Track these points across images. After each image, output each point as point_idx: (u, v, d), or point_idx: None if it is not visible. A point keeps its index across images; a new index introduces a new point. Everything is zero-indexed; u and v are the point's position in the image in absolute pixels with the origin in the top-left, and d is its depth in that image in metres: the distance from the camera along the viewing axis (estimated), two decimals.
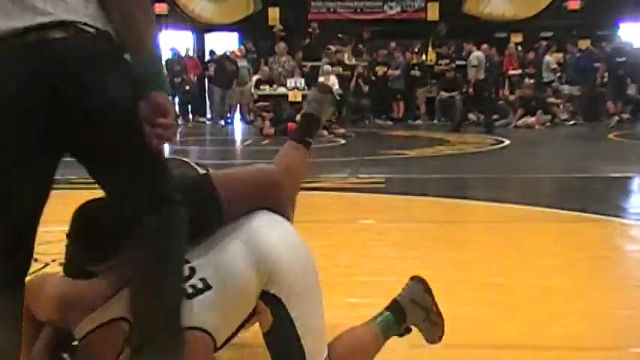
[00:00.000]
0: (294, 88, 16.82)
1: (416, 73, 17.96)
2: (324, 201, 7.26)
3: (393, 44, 18.40)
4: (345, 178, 8.46)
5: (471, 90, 15.45)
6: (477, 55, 15.44)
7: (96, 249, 2.34)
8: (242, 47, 18.79)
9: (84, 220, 2.38)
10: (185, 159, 2.61)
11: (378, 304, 3.83)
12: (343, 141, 13.40)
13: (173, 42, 19.82)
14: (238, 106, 18.71)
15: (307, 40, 18.57)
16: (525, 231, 5.86)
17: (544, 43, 18.54)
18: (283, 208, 2.55)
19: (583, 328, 3.53)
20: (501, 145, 12.64)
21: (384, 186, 7.90)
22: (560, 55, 18.30)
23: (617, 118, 16.43)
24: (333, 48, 17.70)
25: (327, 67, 17.15)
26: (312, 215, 6.48)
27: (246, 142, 14.13)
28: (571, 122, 16.97)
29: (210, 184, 2.39)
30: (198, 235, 2.36)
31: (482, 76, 15.44)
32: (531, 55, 18.28)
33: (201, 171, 2.57)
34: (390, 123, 17.63)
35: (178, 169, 2.47)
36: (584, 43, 18.45)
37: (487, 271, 4.51)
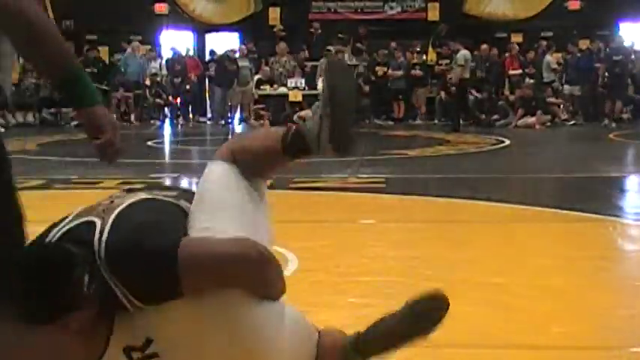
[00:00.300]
0: (294, 87, 16.83)
1: (417, 72, 17.97)
2: (325, 201, 7.27)
3: (393, 44, 18.40)
4: (346, 178, 8.46)
5: (453, 89, 15.54)
6: (463, 53, 15.46)
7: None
8: (243, 47, 18.79)
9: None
10: (177, 202, 2.28)
11: (378, 304, 3.82)
12: None
13: (174, 42, 19.82)
14: (239, 106, 18.70)
15: (306, 46, 18.61)
16: (525, 231, 5.86)
17: (544, 43, 18.54)
18: (261, 288, 2.14)
19: (583, 327, 3.53)
20: (501, 145, 12.64)
21: (384, 186, 7.90)
22: (561, 55, 18.30)
23: (605, 120, 16.42)
24: (332, 49, 17.72)
25: None
26: (312, 215, 6.49)
27: None
28: (571, 122, 16.97)
29: (171, 253, 2.03)
30: (150, 304, 2.07)
31: (467, 75, 15.48)
32: (531, 55, 18.28)
33: (184, 204, 2.27)
34: (390, 123, 17.63)
35: (150, 214, 2.17)
36: (584, 43, 18.44)
37: (487, 271, 4.51)
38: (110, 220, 2.10)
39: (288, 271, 4.37)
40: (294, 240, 5.08)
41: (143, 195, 2.28)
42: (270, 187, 8.67)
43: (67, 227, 2.12)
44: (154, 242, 2.06)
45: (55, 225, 2.16)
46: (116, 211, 2.14)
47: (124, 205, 2.18)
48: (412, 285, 4.21)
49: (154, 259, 2.02)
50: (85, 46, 18.66)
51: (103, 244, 2.03)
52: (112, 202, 2.22)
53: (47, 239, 2.10)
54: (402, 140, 14.05)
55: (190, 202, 2.31)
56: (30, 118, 17.09)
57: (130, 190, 2.35)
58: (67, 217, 2.19)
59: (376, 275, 4.36)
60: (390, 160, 10.56)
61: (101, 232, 2.06)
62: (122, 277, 2.02)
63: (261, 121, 14.77)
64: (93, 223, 2.10)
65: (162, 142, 14.35)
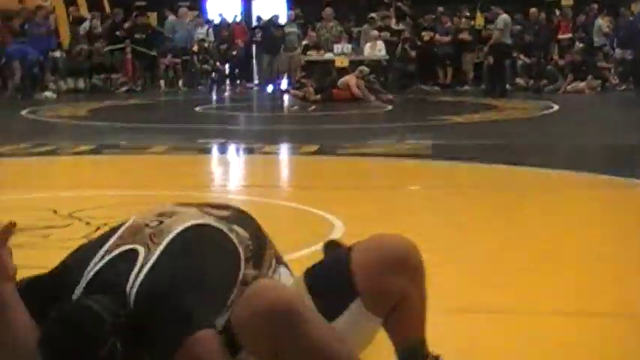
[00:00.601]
0: (341, 53, 16.76)
1: (465, 37, 17.76)
2: (371, 167, 7.25)
3: (440, 9, 18.21)
4: (392, 145, 8.42)
5: (486, 49, 15.39)
6: (503, 17, 15.25)
7: None
8: (292, 12, 18.73)
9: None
10: (228, 232, 2.15)
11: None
12: (390, 107, 13.34)
13: (221, 8, 19.85)
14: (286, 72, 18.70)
15: (352, 11, 18.56)
16: (574, 197, 5.79)
17: (595, 6, 18.18)
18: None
19: (634, 294, 3.49)
20: (550, 111, 12.48)
21: (430, 152, 7.85)
22: (612, 18, 17.93)
23: None
24: (376, 15, 17.58)
25: (374, 32, 17.04)
26: (358, 181, 6.49)
27: (293, 108, 14.15)
28: (622, 87, 16.67)
29: (179, 335, 1.91)
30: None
31: (507, 40, 15.30)
32: (582, 18, 17.96)
33: (237, 232, 2.16)
34: (437, 89, 17.49)
35: (197, 262, 2.03)
36: (636, 7, 18.03)
37: (534, 238, 4.47)
38: (154, 257, 1.99)
39: (333, 236, 4.38)
40: (340, 206, 5.09)
41: (194, 220, 2.13)
42: (318, 152, 8.66)
43: (111, 256, 2.02)
44: (179, 306, 1.91)
45: (98, 243, 2.07)
46: (164, 244, 2.02)
47: (172, 235, 2.05)
48: (457, 251, 4.19)
49: (167, 321, 1.91)
50: (134, 12, 18.75)
51: (137, 287, 1.94)
52: (160, 222, 2.10)
53: (89, 268, 2.00)
54: (449, 106, 13.93)
55: (244, 228, 2.20)
56: (81, 84, 17.27)
57: (180, 205, 2.21)
58: (113, 232, 2.09)
59: (422, 242, 4.34)
60: (437, 127, 10.49)
61: (141, 268, 1.97)
62: (138, 321, 1.93)
63: (305, 89, 14.72)
64: (136, 253, 2.01)
65: (209, 108, 14.41)
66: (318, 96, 14.19)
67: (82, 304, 1.93)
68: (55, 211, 4.87)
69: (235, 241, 2.14)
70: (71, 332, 1.86)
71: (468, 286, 3.58)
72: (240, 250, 2.13)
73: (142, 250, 2.02)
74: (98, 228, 4.43)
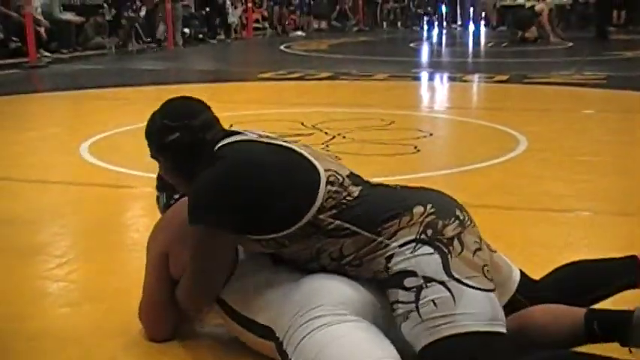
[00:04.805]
0: None
1: None
2: (553, 93, 6.83)
3: None
4: (571, 75, 7.86)
5: None
6: None
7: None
8: None
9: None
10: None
11: (593, 180, 3.58)
12: (571, 44, 12.39)
13: None
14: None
15: None
16: None
17: None
18: None
19: None
20: None
21: (605, 82, 7.25)
22: None
23: None
24: None
25: None
26: (542, 104, 6.14)
27: (489, 44, 13.51)
28: None
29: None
30: None
31: None
32: None
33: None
34: (612, 29, 16.00)
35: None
36: None
37: None
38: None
39: (519, 150, 4.20)
40: (525, 125, 4.86)
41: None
42: (508, 81, 8.24)
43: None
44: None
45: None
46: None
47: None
48: (623, 165, 3.89)
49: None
50: None
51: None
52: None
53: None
54: (623, 43, 12.74)
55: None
56: (323, 25, 17.55)
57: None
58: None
59: (593, 156, 4.07)
60: (612, 61, 9.64)
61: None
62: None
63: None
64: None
65: (421, 44, 14.11)
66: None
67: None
68: (302, 123, 5.01)
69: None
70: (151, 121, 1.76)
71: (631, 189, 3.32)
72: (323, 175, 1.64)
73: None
74: (333, 137, 4.52)
